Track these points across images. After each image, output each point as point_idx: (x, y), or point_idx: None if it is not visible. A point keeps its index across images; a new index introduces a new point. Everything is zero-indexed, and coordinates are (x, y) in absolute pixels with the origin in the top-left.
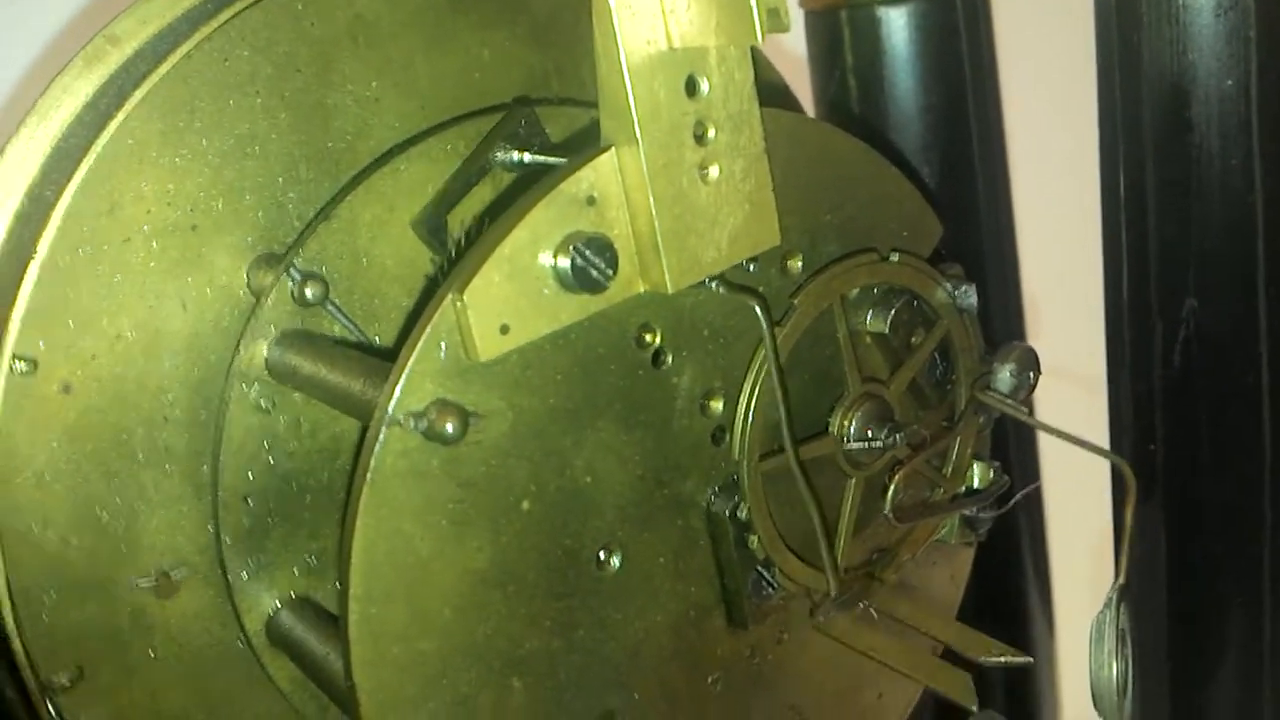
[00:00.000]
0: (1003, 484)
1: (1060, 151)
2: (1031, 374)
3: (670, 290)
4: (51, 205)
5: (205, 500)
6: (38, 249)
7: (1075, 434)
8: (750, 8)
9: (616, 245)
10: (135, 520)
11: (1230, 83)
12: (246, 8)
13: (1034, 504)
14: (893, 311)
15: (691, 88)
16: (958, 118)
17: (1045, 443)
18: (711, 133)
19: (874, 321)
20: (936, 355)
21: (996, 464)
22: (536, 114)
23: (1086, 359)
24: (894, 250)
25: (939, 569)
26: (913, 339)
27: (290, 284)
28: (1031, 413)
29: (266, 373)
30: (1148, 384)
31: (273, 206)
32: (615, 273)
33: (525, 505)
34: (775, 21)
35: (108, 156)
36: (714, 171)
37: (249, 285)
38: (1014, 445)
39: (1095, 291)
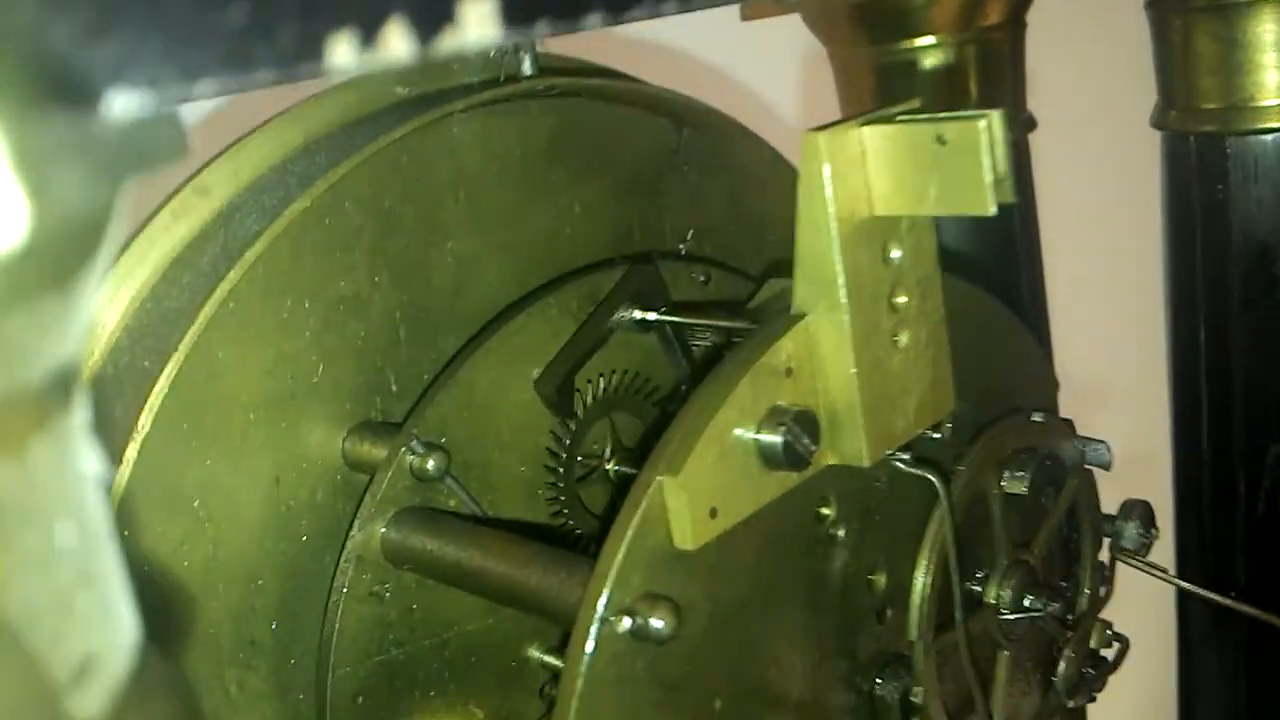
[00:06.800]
0: (1125, 643)
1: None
2: (1153, 530)
3: (867, 463)
4: (149, 375)
5: (289, 700)
6: (139, 425)
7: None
8: (984, 179)
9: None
10: None
11: None
12: (358, 164)
13: None
14: (1031, 473)
15: (885, 254)
16: (1006, 264)
17: None
18: (902, 299)
19: (1012, 483)
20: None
21: (1109, 623)
22: (660, 271)
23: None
24: (1035, 410)
25: None
26: (1043, 498)
27: (411, 456)
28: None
29: (382, 556)
30: (1229, 531)
31: (372, 371)
32: (818, 447)
33: (718, 704)
34: (1002, 190)
35: (213, 322)
36: (904, 338)
37: (345, 457)
38: None
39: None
